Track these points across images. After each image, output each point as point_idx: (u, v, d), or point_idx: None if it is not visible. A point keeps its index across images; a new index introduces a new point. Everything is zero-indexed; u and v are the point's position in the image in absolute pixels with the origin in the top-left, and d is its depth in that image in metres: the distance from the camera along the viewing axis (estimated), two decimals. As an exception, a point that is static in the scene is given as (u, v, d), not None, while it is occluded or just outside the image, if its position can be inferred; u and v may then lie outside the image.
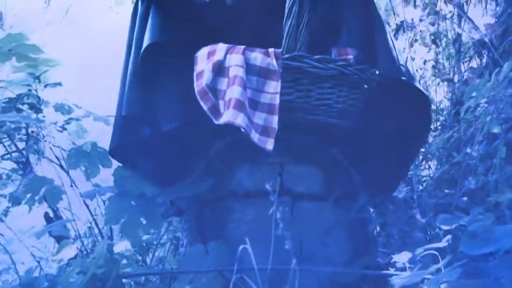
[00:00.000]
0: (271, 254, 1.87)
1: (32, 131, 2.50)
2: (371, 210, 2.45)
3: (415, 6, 4.17)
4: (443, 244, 1.93)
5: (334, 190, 2.29)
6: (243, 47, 2.13)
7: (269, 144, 2.03)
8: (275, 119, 2.05)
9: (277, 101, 2.05)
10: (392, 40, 2.35)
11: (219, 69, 2.10)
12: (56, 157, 2.54)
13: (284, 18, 2.08)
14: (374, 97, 2.26)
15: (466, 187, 2.55)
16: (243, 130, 1.97)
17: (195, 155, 2.31)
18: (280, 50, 2.10)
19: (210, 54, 2.15)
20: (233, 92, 2.02)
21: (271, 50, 2.11)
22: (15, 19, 5.20)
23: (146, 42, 2.18)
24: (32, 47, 2.49)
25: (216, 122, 2.04)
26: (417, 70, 4.36)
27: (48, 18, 5.24)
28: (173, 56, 2.20)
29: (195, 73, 2.14)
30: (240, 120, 1.96)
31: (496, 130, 2.57)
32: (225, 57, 2.11)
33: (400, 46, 4.28)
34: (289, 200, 2.26)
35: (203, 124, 2.14)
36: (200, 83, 2.09)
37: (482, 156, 2.58)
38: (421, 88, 2.32)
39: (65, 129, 2.51)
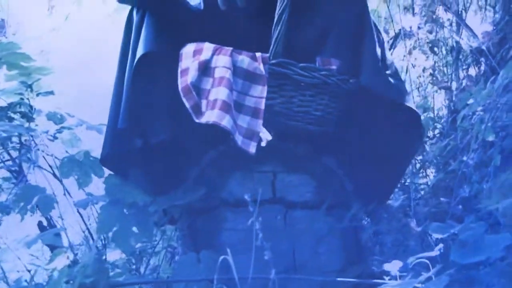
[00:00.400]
0: (252, 264, 1.86)
1: (26, 140, 2.50)
2: (365, 218, 2.45)
3: (413, 14, 4.16)
4: (435, 253, 1.93)
5: (327, 199, 2.28)
6: (230, 49, 2.15)
7: (252, 148, 2.05)
8: (259, 123, 2.07)
9: (262, 106, 2.08)
10: (383, 52, 2.34)
11: (205, 69, 2.12)
12: (50, 165, 2.54)
13: (273, 25, 2.09)
14: (364, 107, 2.26)
15: (460, 195, 2.54)
16: (233, 139, 1.99)
17: (188, 164, 2.31)
18: (267, 55, 2.12)
19: (196, 52, 2.17)
20: (220, 93, 2.04)
21: (258, 54, 2.14)
22: (18, 27, 5.22)
23: (140, 52, 2.18)
24: (23, 55, 2.50)
25: (196, 120, 2.05)
26: (417, 77, 4.35)
27: (51, 25, 5.26)
28: (167, 66, 2.21)
29: (179, 70, 2.16)
30: (225, 121, 1.98)
31: (491, 138, 2.56)
32: (211, 57, 2.13)
33: (399, 53, 4.28)
34: (282, 209, 2.26)
35: (195, 134, 2.15)
36: (184, 80, 2.11)
37: (477, 164, 2.57)
38: (410, 104, 2.30)
39: (56, 138, 2.51)
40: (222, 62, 2.10)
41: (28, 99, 2.52)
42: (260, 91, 2.10)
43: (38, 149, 2.47)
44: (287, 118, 2.21)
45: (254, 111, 2.09)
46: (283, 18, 2.08)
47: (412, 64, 4.29)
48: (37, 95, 2.54)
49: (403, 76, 4.16)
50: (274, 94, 2.16)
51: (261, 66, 2.10)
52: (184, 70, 2.14)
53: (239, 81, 2.11)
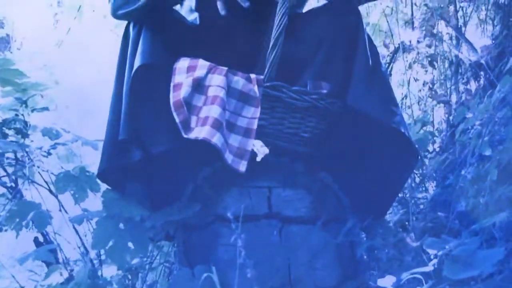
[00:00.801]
0: (237, 280, 1.87)
1: (22, 156, 2.51)
2: (361, 233, 2.44)
3: (413, 28, 4.17)
4: (429, 268, 1.92)
5: (323, 214, 2.28)
6: (225, 68, 2.19)
7: (242, 166, 2.09)
8: (250, 142, 2.12)
9: (255, 126, 2.12)
10: (377, 67, 2.35)
11: (198, 86, 2.15)
12: (45, 181, 2.54)
13: (269, 48, 2.12)
14: (356, 124, 2.27)
15: (457, 210, 2.53)
16: (222, 157, 2.04)
17: (185, 179, 2.32)
18: (262, 77, 2.15)
19: (190, 69, 2.20)
20: (212, 111, 2.07)
21: (253, 76, 2.17)
22: (24, 41, 5.26)
23: (136, 63, 2.20)
24: (16, 72, 2.51)
25: (184, 136, 2.09)
26: (418, 91, 4.35)
27: (56, 39, 5.30)
28: (163, 78, 2.22)
29: (172, 84, 2.19)
30: (216, 139, 2.01)
31: (487, 152, 2.55)
32: (206, 75, 2.16)
33: (401, 67, 4.28)
34: (278, 224, 2.26)
35: (192, 148, 2.15)
36: (177, 95, 2.14)
37: (474, 179, 2.56)
38: (399, 126, 2.31)
39: (50, 154, 2.51)
40: (216, 81, 2.13)
41: (23, 115, 2.53)
42: (253, 112, 2.14)
43: (34, 165, 2.47)
44: (277, 139, 2.27)
45: (246, 130, 2.13)
46: (279, 42, 2.11)
47: (414, 78, 4.31)
48: (32, 111, 2.56)
49: (404, 90, 4.18)
50: (266, 116, 2.22)
51: (256, 88, 2.14)
52: (177, 85, 2.16)
53: (232, 102, 2.14)
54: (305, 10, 2.54)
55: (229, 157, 2.06)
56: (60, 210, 2.44)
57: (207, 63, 2.21)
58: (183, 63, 2.22)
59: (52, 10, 5.28)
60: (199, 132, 2.04)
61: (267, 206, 2.28)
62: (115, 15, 2.38)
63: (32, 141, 2.55)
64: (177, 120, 2.09)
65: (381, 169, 2.33)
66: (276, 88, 2.18)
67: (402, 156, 2.35)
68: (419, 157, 3.07)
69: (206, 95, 2.14)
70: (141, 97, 2.23)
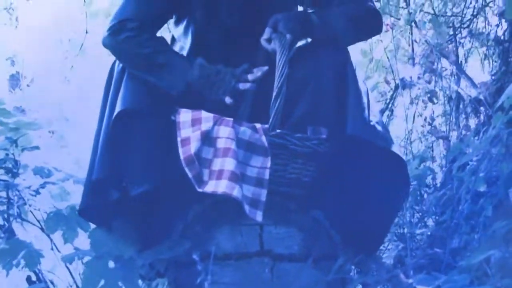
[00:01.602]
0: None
1: (14, 194, 2.52)
2: (353, 269, 2.43)
3: (413, 64, 4.19)
4: (418, 305, 1.91)
5: (314, 251, 2.28)
6: (231, 119, 2.19)
7: (258, 216, 2.10)
8: (263, 192, 2.13)
9: (267, 176, 2.14)
10: (368, 100, 2.35)
11: (206, 138, 2.15)
12: (38, 220, 2.55)
13: (273, 98, 2.15)
14: (350, 158, 2.28)
15: (450, 246, 2.52)
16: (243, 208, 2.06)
17: (173, 217, 2.32)
18: (267, 126, 2.18)
19: (195, 122, 2.20)
20: (226, 164, 2.09)
21: (258, 126, 2.19)
22: (34, 78, 5.30)
23: (118, 108, 2.21)
24: (3, 111, 2.52)
25: (199, 190, 2.09)
26: (422, 126, 4.36)
27: (66, 76, 5.34)
28: (145, 121, 2.24)
29: (179, 139, 2.17)
30: (236, 192, 2.03)
31: (482, 188, 2.55)
32: (213, 127, 2.17)
33: (403, 103, 4.29)
34: (269, 261, 2.25)
35: (178, 187, 2.16)
36: (187, 150, 2.13)
37: (468, 215, 2.55)
38: (395, 151, 2.32)
39: (39, 193, 2.52)
40: (225, 133, 2.15)
41: (13, 154, 2.54)
42: (262, 162, 2.16)
43: (25, 204, 2.48)
44: (280, 184, 2.28)
45: (256, 181, 2.15)
46: (282, 92, 2.14)
47: (419, 113, 4.32)
48: (22, 150, 2.57)
49: (408, 126, 4.19)
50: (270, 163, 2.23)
51: (263, 138, 2.17)
52: (184, 140, 2.17)
53: (240, 152, 2.15)
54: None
55: (246, 208, 2.07)
56: (52, 249, 2.44)
57: (211, 115, 2.22)
58: (185, 116, 2.22)
59: (62, 47, 5.33)
60: (216, 186, 2.06)
61: (259, 243, 2.27)
62: (107, 47, 2.38)
63: (24, 179, 2.56)
64: (190, 175, 2.09)
65: (373, 203, 2.32)
66: (280, 136, 2.21)
67: (394, 186, 2.34)
68: (418, 192, 3.07)
69: (215, 147, 2.15)
70: (120, 138, 2.25)
